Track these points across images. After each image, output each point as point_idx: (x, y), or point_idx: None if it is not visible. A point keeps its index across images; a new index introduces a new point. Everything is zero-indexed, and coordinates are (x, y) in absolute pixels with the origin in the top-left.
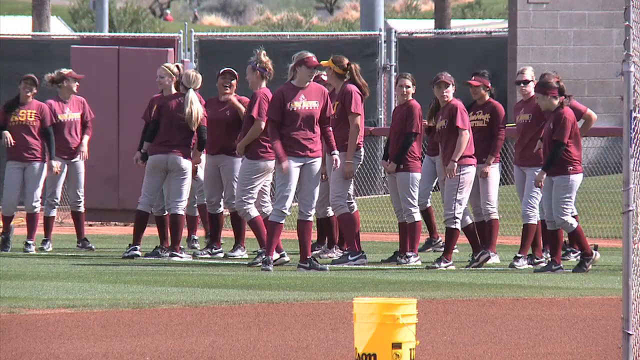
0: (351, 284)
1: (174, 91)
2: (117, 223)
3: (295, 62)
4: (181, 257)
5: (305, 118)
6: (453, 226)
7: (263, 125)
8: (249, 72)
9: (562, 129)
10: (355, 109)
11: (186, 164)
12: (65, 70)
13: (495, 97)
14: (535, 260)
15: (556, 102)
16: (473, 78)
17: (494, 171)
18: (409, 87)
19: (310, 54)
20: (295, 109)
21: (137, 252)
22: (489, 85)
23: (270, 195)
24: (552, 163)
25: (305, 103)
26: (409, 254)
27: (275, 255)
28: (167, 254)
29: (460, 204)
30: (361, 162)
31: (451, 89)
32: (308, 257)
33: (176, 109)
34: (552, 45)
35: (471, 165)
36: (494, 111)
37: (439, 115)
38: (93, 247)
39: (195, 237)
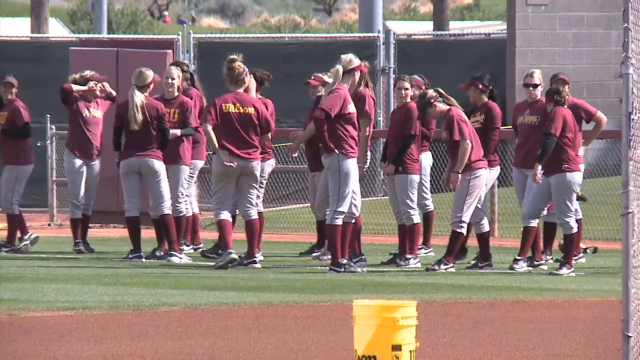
0: (351, 286)
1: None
2: (116, 225)
3: (352, 67)
4: (180, 258)
5: (355, 121)
6: (459, 230)
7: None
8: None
9: (551, 122)
10: (369, 111)
11: (159, 165)
12: (88, 73)
13: (496, 98)
14: (535, 263)
15: (551, 104)
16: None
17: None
18: (407, 89)
19: (360, 61)
20: (351, 112)
21: (142, 261)
22: (480, 86)
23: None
24: (544, 156)
25: (354, 107)
26: (408, 256)
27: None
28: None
29: (468, 208)
30: (367, 166)
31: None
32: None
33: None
34: (550, 47)
35: (481, 168)
36: (488, 112)
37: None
38: (93, 249)
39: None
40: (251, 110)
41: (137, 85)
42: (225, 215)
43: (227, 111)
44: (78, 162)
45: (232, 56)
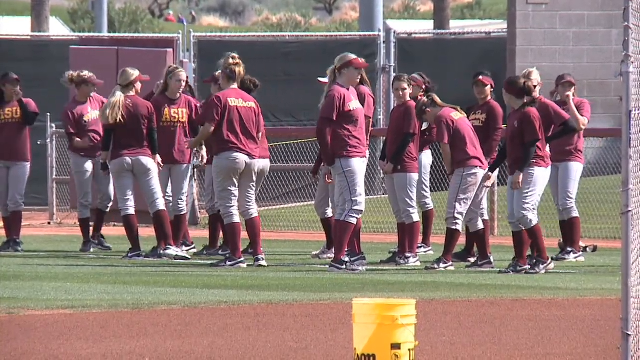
0: (350, 284)
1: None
2: (116, 224)
3: (341, 64)
4: (176, 251)
5: (359, 118)
6: (453, 227)
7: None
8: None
9: (533, 128)
10: (367, 112)
11: (151, 163)
12: (86, 74)
13: (496, 99)
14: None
15: (519, 101)
16: (480, 77)
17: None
18: (404, 89)
19: (354, 56)
20: (352, 109)
21: (142, 259)
22: (494, 87)
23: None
24: (528, 162)
25: (357, 103)
26: (407, 254)
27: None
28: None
29: (461, 204)
30: (366, 163)
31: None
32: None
33: (133, 111)
34: (551, 46)
35: (476, 166)
36: (490, 111)
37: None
38: (110, 247)
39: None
40: (252, 104)
41: (120, 85)
42: (237, 219)
43: (234, 105)
44: (83, 161)
45: (233, 54)
